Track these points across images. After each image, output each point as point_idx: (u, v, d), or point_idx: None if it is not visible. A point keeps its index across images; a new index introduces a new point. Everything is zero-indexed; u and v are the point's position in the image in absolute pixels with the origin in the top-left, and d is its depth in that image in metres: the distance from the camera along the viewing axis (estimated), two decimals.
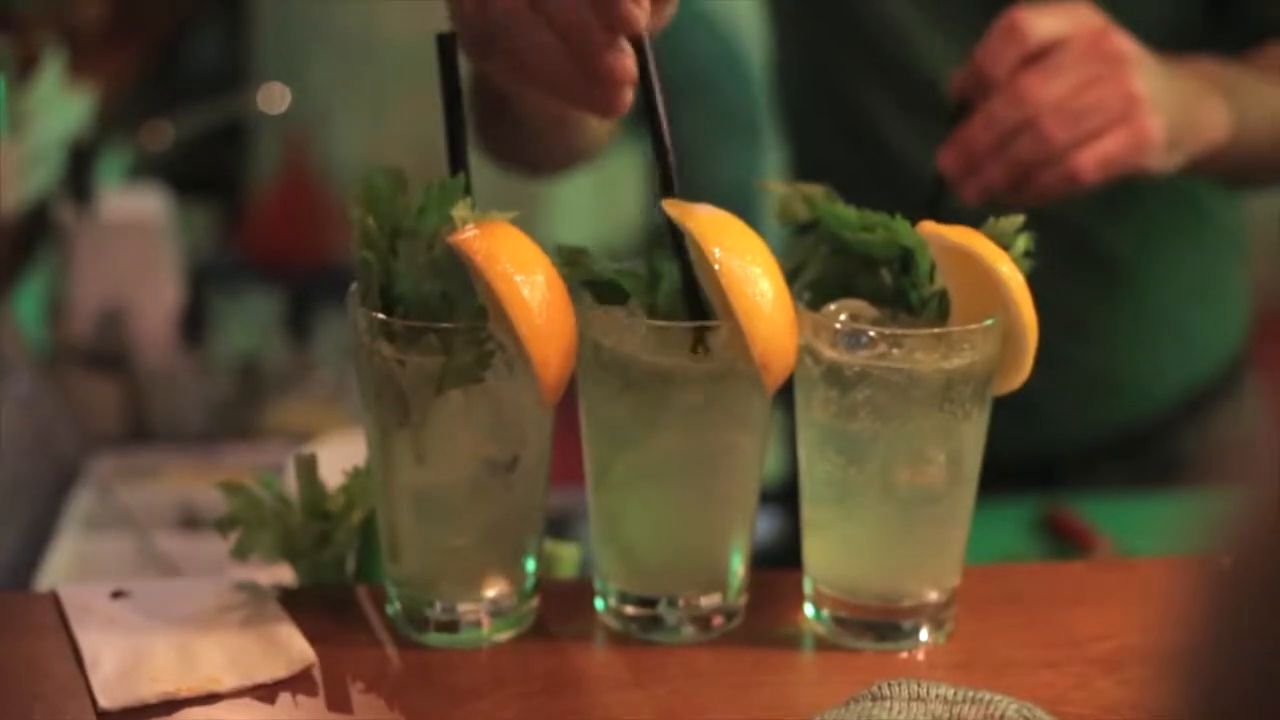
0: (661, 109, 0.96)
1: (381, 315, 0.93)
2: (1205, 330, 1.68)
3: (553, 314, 0.91)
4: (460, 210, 0.92)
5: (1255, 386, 1.73)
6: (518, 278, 0.90)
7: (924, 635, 0.99)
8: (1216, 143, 1.24)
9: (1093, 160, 1.16)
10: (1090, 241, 1.57)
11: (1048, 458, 1.65)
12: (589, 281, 0.97)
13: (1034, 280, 0.97)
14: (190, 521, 1.71)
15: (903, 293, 0.97)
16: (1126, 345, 1.64)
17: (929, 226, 0.95)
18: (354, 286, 0.95)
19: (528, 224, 0.94)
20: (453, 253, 0.92)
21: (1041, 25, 1.17)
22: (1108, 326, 1.63)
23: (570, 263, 0.97)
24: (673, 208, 0.95)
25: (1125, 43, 1.19)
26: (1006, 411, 1.03)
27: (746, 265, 0.92)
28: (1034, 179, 1.16)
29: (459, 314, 0.93)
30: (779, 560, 1.06)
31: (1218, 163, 1.26)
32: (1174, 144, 1.20)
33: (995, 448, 1.00)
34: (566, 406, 0.97)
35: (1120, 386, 1.66)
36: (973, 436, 0.98)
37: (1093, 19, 1.19)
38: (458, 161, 0.99)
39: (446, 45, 0.99)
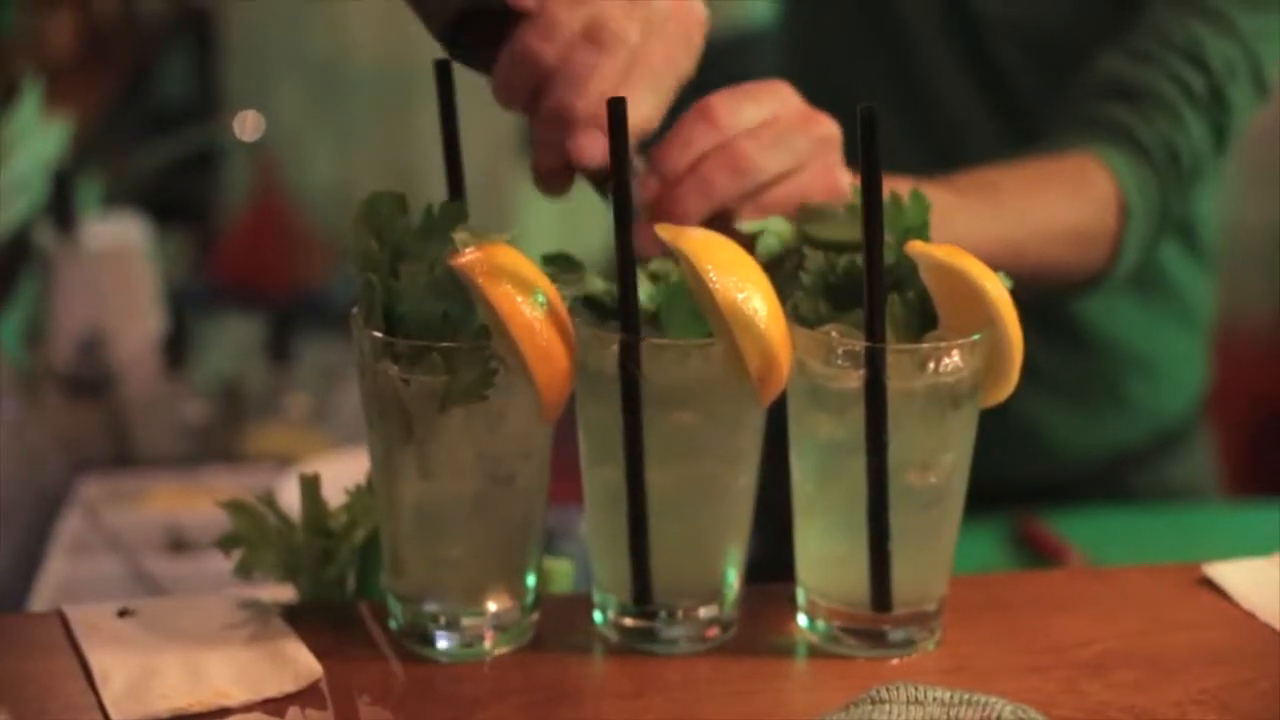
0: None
1: (385, 336, 0.95)
2: (1144, 401, 1.70)
3: (554, 333, 0.93)
4: (461, 233, 0.95)
5: (1187, 457, 1.75)
6: (520, 298, 0.93)
7: (914, 642, 1.02)
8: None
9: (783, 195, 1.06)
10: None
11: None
12: (586, 300, 1.00)
13: None
14: (177, 544, 1.72)
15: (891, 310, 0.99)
16: (1063, 401, 1.66)
17: (917, 245, 0.98)
18: (356, 308, 0.97)
19: None
20: (454, 274, 0.94)
21: (741, 112, 1.05)
22: (1050, 379, 1.64)
23: (567, 281, 0.99)
24: (665, 231, 0.97)
25: (832, 126, 1.08)
26: None
27: (739, 283, 0.95)
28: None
29: (461, 333, 0.95)
30: (772, 572, 1.08)
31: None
32: None
33: None
34: (561, 423, 0.99)
35: (1048, 438, 1.67)
36: (961, 449, 1.01)
37: (794, 101, 1.08)
38: (456, 185, 1.01)
39: (443, 72, 1.01)
